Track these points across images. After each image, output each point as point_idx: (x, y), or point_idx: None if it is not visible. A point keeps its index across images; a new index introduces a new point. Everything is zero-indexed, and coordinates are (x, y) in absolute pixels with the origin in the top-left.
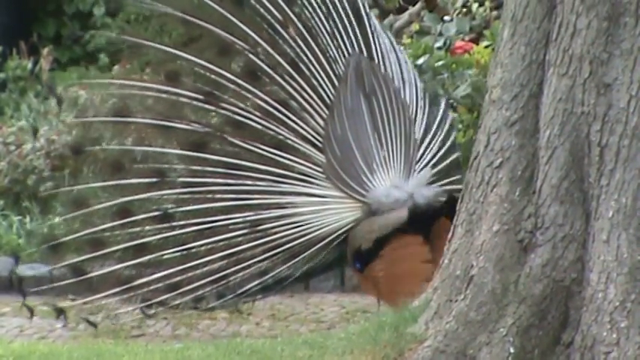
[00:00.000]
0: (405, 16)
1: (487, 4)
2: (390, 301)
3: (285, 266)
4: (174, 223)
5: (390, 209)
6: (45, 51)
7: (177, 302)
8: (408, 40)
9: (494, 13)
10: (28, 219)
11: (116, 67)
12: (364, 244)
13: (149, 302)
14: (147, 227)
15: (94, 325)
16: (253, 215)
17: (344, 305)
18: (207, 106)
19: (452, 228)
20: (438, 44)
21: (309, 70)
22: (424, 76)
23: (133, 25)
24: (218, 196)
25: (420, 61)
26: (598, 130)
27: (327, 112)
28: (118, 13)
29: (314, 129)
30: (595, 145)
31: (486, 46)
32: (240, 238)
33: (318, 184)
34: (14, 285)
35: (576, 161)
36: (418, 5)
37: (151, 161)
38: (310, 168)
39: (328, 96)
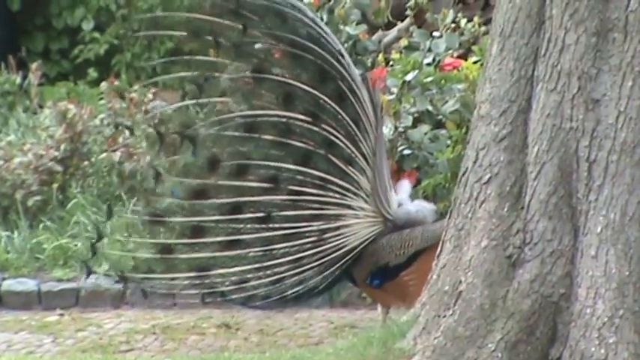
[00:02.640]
0: (393, 32)
1: (476, 19)
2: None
3: (319, 277)
4: (271, 225)
5: (421, 223)
6: (33, 65)
7: (234, 296)
8: (397, 56)
9: (483, 28)
10: (16, 234)
11: (104, 83)
12: (396, 259)
13: (212, 291)
14: (248, 225)
15: (146, 295)
16: (324, 224)
17: (332, 320)
18: (313, 127)
19: (440, 244)
20: (427, 60)
21: (361, 93)
22: (413, 92)
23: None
24: (309, 205)
25: (409, 77)
26: (586, 145)
27: (373, 131)
28: (106, 28)
29: (369, 146)
30: (583, 161)
31: (475, 62)
32: (309, 245)
33: (355, 197)
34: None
35: (565, 177)
36: (407, 21)
37: (268, 169)
38: (358, 182)
39: (370, 117)
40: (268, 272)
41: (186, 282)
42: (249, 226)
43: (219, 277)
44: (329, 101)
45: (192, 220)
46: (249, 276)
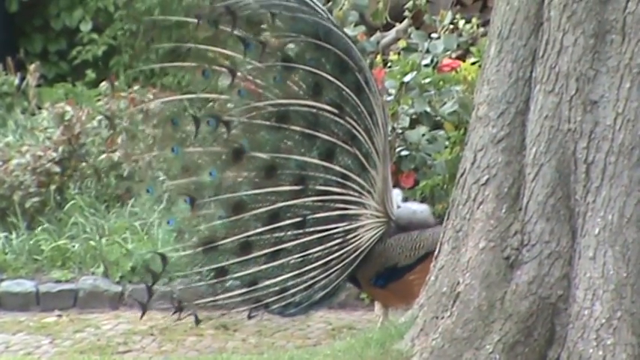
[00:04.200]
0: (392, 33)
1: (474, 20)
2: None
3: (340, 279)
4: (307, 230)
5: (423, 223)
6: (32, 67)
7: (275, 306)
8: (395, 57)
9: (481, 29)
10: (14, 235)
11: (103, 83)
12: (405, 260)
13: (258, 305)
14: (288, 232)
15: (198, 320)
16: (348, 225)
17: (330, 321)
18: (338, 119)
19: (438, 245)
20: (426, 61)
21: (374, 86)
22: (411, 93)
23: (122, 39)
24: (335, 205)
25: (407, 78)
26: (584, 147)
27: (383, 127)
28: (104, 30)
29: (381, 142)
30: (581, 162)
31: (473, 63)
32: (336, 247)
33: (368, 196)
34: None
35: (562, 178)
36: (405, 22)
37: (295, 169)
38: (371, 179)
39: (381, 112)
40: (304, 278)
41: (238, 299)
42: (289, 233)
43: (266, 289)
44: (350, 92)
45: (240, 237)
46: (289, 284)
